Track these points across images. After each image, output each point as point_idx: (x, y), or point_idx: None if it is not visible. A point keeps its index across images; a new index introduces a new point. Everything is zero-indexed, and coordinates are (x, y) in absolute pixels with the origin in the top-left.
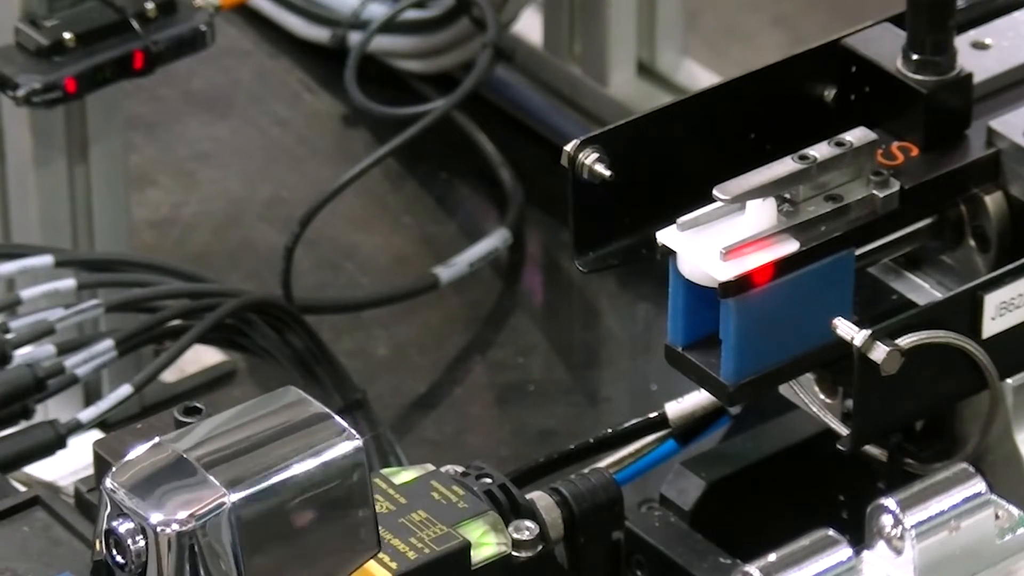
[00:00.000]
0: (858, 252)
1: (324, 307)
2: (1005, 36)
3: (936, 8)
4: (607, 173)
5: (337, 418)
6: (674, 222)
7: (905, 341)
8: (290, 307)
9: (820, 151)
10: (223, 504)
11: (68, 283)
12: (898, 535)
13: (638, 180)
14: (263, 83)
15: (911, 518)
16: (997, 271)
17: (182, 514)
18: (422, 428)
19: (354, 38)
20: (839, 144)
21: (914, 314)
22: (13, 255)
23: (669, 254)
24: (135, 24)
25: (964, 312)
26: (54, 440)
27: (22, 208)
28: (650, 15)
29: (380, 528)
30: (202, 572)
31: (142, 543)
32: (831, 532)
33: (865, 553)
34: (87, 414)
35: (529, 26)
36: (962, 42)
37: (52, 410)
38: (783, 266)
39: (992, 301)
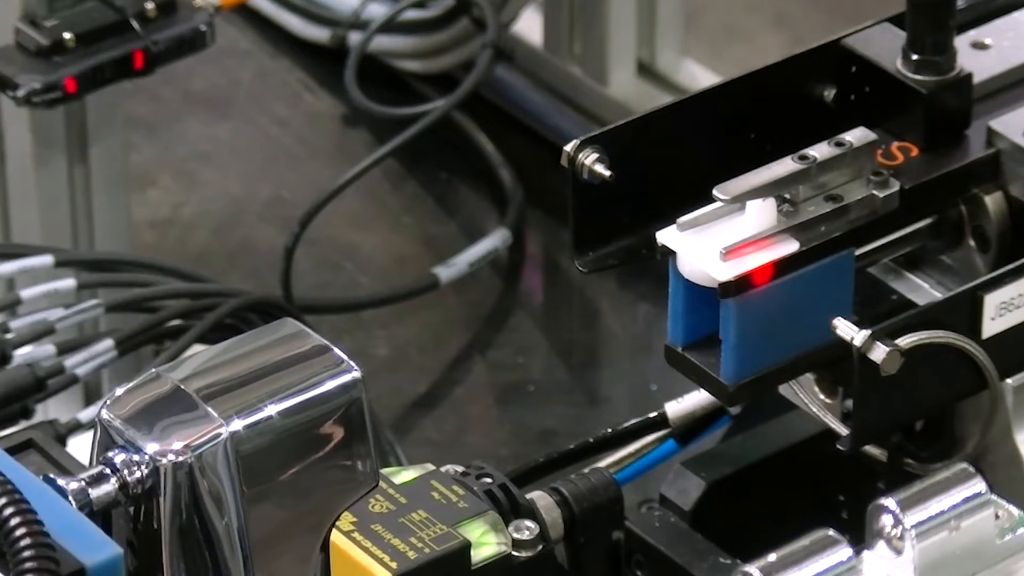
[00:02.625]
0: (858, 252)
1: (324, 307)
2: (1005, 36)
3: (936, 8)
4: (607, 173)
5: (336, 350)
6: (674, 222)
7: (905, 341)
8: (290, 307)
9: (820, 151)
10: (220, 435)
11: (68, 283)
12: (898, 535)
13: (638, 180)
14: (263, 83)
15: (911, 518)
16: (997, 271)
17: (179, 444)
18: (422, 428)
19: (354, 38)
20: (839, 144)
21: (914, 314)
22: (13, 255)
23: (669, 254)
24: (135, 24)
25: (964, 312)
26: (54, 440)
27: (22, 208)
28: (650, 15)
29: (380, 527)
30: (200, 503)
31: (138, 474)
32: (831, 532)
33: (865, 553)
34: (87, 414)
35: (529, 26)
36: (962, 42)
37: (52, 410)
38: (783, 266)
39: (992, 301)
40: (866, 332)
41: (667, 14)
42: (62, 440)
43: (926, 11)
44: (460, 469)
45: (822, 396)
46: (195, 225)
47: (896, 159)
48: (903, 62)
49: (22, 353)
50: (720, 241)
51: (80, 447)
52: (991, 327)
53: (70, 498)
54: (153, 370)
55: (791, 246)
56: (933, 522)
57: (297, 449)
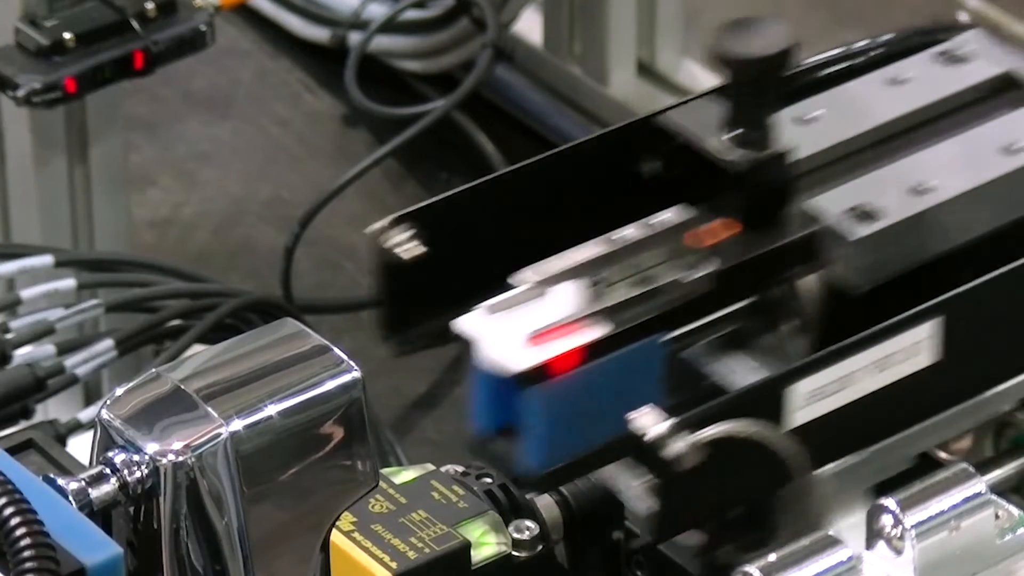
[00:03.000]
0: (674, 334)
1: (324, 307)
2: (830, 110)
3: (755, 86)
4: (421, 250)
5: (336, 349)
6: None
7: (704, 434)
8: (290, 307)
9: (631, 232)
10: (220, 435)
11: (68, 283)
12: (898, 535)
13: (450, 260)
14: (263, 83)
15: (911, 518)
16: (803, 359)
17: (178, 444)
18: (422, 428)
19: (354, 38)
20: (649, 225)
21: (716, 404)
22: (13, 255)
23: (468, 342)
24: (135, 24)
25: (772, 401)
26: (54, 440)
27: (22, 208)
28: (650, 15)
29: (380, 527)
30: (200, 502)
31: (138, 474)
32: (831, 532)
33: (865, 553)
34: (87, 414)
35: (529, 26)
36: (785, 116)
37: (52, 410)
38: (589, 352)
39: (800, 390)
40: (665, 425)
41: (667, 14)
42: (62, 440)
43: (744, 88)
44: (460, 469)
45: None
46: (195, 225)
47: (716, 237)
48: (721, 138)
49: (22, 353)
50: (523, 327)
51: (80, 447)
52: (802, 415)
53: (70, 498)
54: (153, 370)
55: (596, 331)
56: (933, 522)
57: (297, 449)
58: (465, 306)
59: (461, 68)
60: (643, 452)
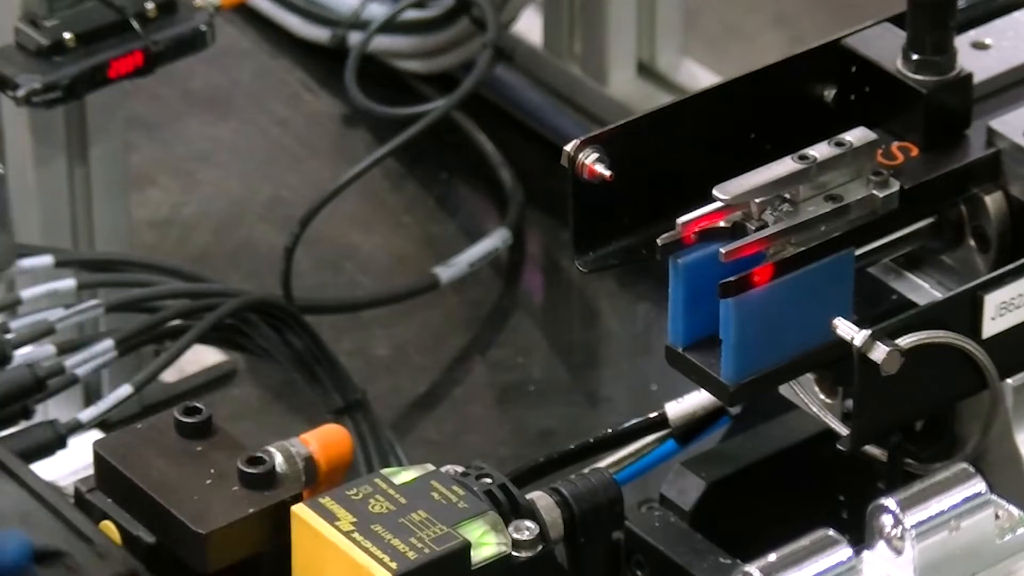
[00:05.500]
0: (858, 252)
1: (324, 307)
2: (1005, 36)
3: (936, 8)
4: (607, 173)
5: None
6: (673, 222)
7: (905, 341)
8: (290, 307)
9: (820, 151)
10: None
11: (68, 283)
12: (898, 535)
13: (638, 180)
14: (263, 83)
15: (911, 518)
16: (997, 271)
17: None
18: (422, 428)
19: (354, 38)
20: (839, 144)
21: (914, 314)
22: None
23: (670, 254)
24: (135, 24)
25: (964, 312)
26: (54, 440)
27: (22, 208)
28: (650, 15)
29: (380, 528)
30: None
31: None
32: (831, 532)
33: (865, 553)
34: (87, 414)
35: (529, 26)
36: (962, 42)
37: (52, 410)
38: (783, 266)
39: (992, 301)
40: (866, 332)
41: (667, 14)
42: (62, 440)
43: (926, 11)
44: (460, 469)
45: (822, 396)
46: (195, 225)
47: (896, 159)
48: (903, 62)
49: (22, 353)
50: (720, 242)
51: (80, 447)
52: (991, 327)
53: None
54: None
55: (792, 246)
56: (933, 522)
57: None
58: (651, 227)
59: (461, 68)
60: (841, 361)
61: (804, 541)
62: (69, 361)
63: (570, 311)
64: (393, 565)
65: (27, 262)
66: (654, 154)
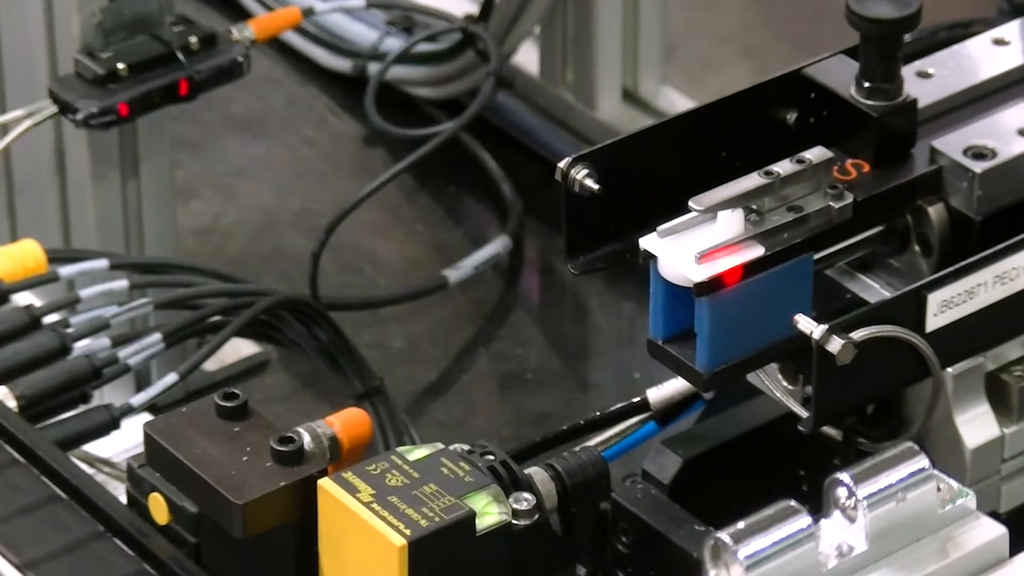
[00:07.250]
0: (816, 256)
1: (346, 305)
2: (946, 66)
3: (885, 42)
4: (595, 187)
5: None
6: (655, 230)
7: (858, 335)
8: (317, 305)
9: (783, 167)
10: None
11: (121, 284)
12: (852, 505)
13: (623, 193)
14: (293, 108)
15: (863, 490)
16: (939, 273)
17: None
18: (433, 411)
19: (373, 68)
20: (799, 161)
21: (866, 311)
22: (73, 259)
23: (650, 258)
24: (180, 56)
25: (910, 309)
26: (109, 422)
27: (81, 217)
28: (633, 48)
29: (396, 499)
30: None
31: None
32: (792, 503)
33: (823, 521)
34: (138, 399)
35: (527, 57)
36: (908, 71)
37: (107, 395)
38: (750, 268)
39: (935, 299)
40: (824, 327)
41: (648, 47)
42: (116, 422)
43: (877, 44)
44: (466, 447)
45: (785, 383)
46: (233, 233)
47: (850, 175)
48: (856, 89)
49: (81, 345)
50: (695, 246)
51: (132, 428)
52: (934, 322)
53: None
54: None
55: (757, 251)
56: (882, 494)
57: None
58: (634, 234)
59: (467, 94)
60: (801, 352)
61: (769, 511)
62: (122, 352)
63: (563, 308)
64: (407, 532)
65: (85, 265)
66: (637, 170)
